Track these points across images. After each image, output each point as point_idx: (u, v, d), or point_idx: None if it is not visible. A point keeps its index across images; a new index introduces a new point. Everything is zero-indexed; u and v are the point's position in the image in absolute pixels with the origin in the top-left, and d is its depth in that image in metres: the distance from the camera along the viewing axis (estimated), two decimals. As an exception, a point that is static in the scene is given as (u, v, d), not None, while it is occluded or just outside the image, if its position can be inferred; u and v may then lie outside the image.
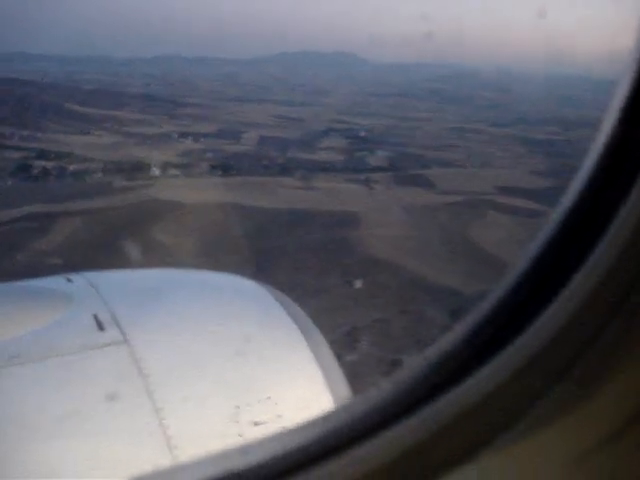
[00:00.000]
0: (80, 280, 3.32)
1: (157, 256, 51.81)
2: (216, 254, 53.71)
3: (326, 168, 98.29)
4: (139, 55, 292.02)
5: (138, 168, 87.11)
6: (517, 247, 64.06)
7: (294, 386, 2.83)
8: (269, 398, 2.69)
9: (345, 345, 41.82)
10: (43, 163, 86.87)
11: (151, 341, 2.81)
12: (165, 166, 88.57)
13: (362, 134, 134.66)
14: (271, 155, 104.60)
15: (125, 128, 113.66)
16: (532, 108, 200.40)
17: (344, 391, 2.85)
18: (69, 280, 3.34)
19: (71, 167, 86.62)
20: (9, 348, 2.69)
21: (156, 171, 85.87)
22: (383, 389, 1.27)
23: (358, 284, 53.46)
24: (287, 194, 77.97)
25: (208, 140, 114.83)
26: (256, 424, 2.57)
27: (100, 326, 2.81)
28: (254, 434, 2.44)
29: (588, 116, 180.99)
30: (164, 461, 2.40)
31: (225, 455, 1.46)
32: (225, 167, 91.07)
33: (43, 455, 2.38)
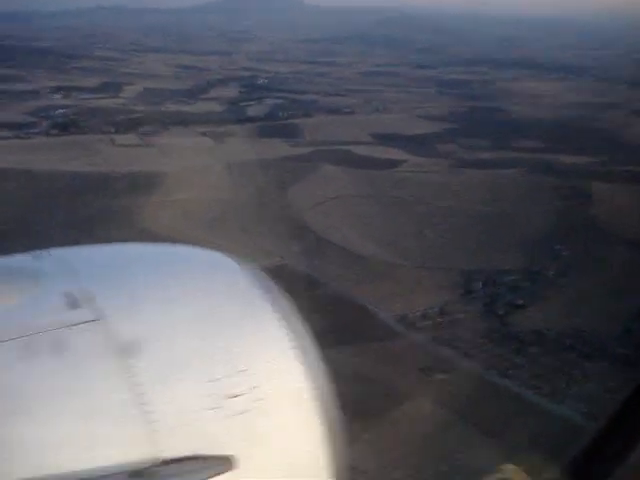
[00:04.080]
0: (49, 257, 2.86)
1: None
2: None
3: (190, 121, 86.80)
4: (66, 7, 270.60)
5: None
6: (325, 207, 53.79)
7: (268, 357, 2.54)
8: (243, 370, 2.46)
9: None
10: None
11: (126, 318, 2.50)
12: (-1, 126, 77.29)
13: (260, 82, 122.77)
14: (137, 109, 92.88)
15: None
16: (470, 49, 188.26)
17: (320, 367, 2.58)
18: (38, 256, 2.85)
19: None
20: None
21: (-20, 133, 74.59)
22: None
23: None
24: (112, 153, 66.89)
25: (80, 95, 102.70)
26: (231, 396, 2.37)
27: (73, 303, 2.49)
28: (230, 406, 2.34)
29: (523, 56, 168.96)
30: (143, 435, 2.25)
31: None
32: (66, 125, 79.39)
33: (15, 436, 2.15)
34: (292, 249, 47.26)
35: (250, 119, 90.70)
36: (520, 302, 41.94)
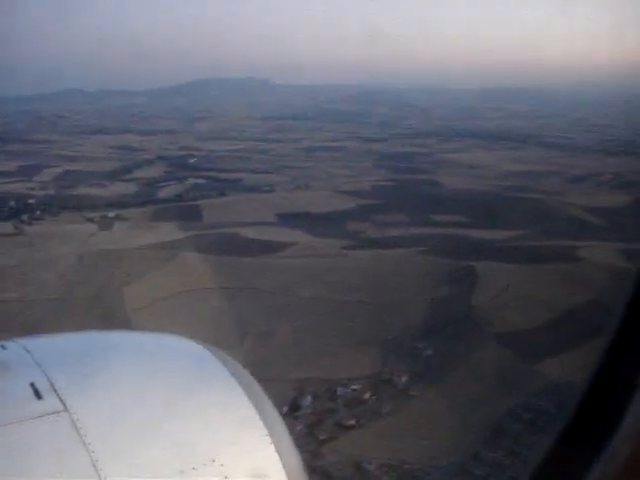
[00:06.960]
0: (14, 347, 2.97)
1: None
2: None
3: (90, 205, 79.80)
4: (42, 91, 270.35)
5: None
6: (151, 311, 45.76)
7: (239, 447, 2.54)
8: (214, 461, 2.44)
9: None
10: None
11: (91, 408, 2.54)
12: None
13: (191, 161, 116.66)
14: (41, 194, 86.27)
15: None
16: (426, 122, 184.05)
17: (291, 449, 2.60)
18: (3, 347, 2.96)
19: None
20: None
21: None
22: None
23: None
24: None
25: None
26: None
27: (38, 395, 2.55)
28: None
29: (477, 126, 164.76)
30: None
31: None
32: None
33: None
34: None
35: (156, 201, 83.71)
36: (351, 422, 33.60)
